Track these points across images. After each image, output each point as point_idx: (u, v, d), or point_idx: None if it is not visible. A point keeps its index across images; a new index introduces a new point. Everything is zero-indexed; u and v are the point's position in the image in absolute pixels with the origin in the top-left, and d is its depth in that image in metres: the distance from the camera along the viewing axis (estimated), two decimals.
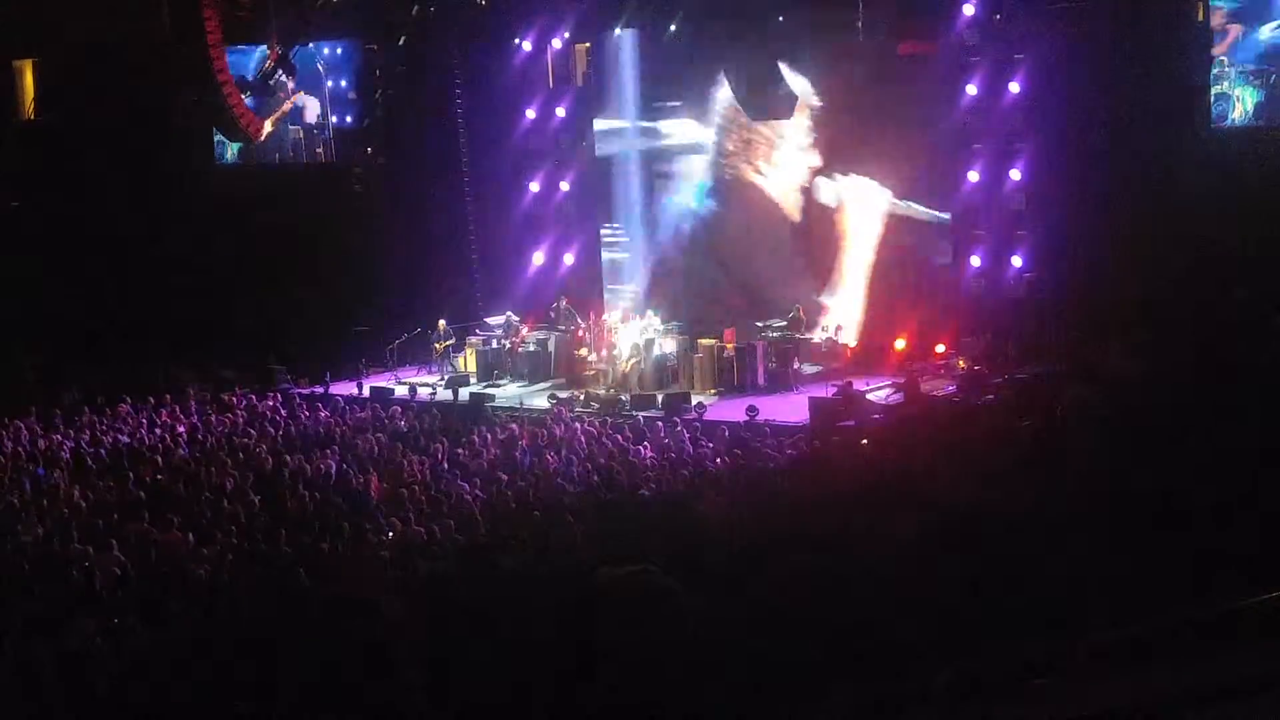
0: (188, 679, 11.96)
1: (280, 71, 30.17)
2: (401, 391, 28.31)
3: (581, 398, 26.90)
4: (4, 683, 13.68)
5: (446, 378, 28.87)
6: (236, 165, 34.55)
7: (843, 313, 28.93)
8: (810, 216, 29.63)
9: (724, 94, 29.76)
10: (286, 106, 33.40)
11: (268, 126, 32.05)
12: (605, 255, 32.19)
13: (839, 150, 28.97)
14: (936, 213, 27.97)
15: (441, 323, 29.78)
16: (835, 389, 24.84)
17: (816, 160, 29.30)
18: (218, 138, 33.95)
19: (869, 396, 24.68)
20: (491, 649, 6.31)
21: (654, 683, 3.89)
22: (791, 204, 29.84)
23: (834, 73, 28.62)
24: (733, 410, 25.32)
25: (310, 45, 31.80)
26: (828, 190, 29.28)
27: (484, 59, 32.28)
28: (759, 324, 28.46)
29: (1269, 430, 10.08)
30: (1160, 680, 5.43)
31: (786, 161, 29.74)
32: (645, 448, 22.24)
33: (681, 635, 3.94)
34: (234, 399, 27.26)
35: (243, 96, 29.41)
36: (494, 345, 29.86)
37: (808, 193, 29.56)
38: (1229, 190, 23.98)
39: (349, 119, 33.71)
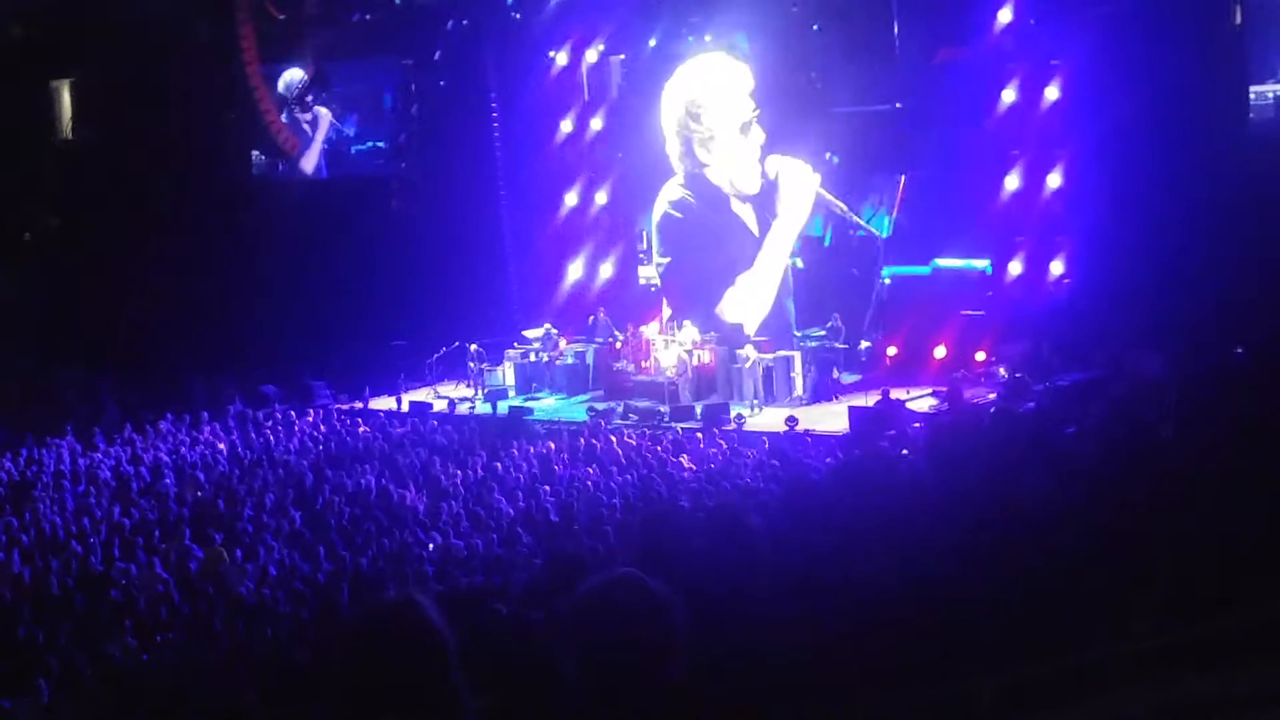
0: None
1: (316, 87, 30.36)
2: (440, 406, 28.34)
3: (620, 409, 26.88)
4: (50, 700, 13.74)
5: (485, 391, 28.90)
6: (274, 181, 34.69)
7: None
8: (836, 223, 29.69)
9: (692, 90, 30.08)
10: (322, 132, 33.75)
11: (315, 159, 32.38)
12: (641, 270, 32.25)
13: (866, 156, 28.94)
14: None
15: (473, 346, 29.77)
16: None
17: (844, 166, 29.30)
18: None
19: (914, 405, 24.58)
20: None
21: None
22: (816, 210, 29.83)
23: (868, 79, 28.57)
24: (772, 420, 25.29)
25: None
26: (796, 165, 29.41)
27: (519, 73, 32.34)
28: (797, 333, 28.40)
29: None
30: (1204, 686, 5.35)
31: (754, 154, 29.82)
32: (684, 459, 22.23)
33: (667, 641, 3.91)
34: (274, 415, 27.36)
35: (279, 114, 29.62)
36: (532, 358, 29.88)
37: (775, 171, 29.62)
38: (1270, 192, 23.82)
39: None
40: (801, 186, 29.33)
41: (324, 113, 34.13)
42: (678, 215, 31.18)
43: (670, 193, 31.29)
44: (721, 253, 30.37)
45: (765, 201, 30.06)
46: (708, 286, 30.17)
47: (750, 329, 29.20)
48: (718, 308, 29.62)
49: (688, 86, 30.48)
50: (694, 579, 7.78)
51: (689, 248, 30.96)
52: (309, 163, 34.45)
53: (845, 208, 29.09)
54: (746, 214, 30.32)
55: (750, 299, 29.81)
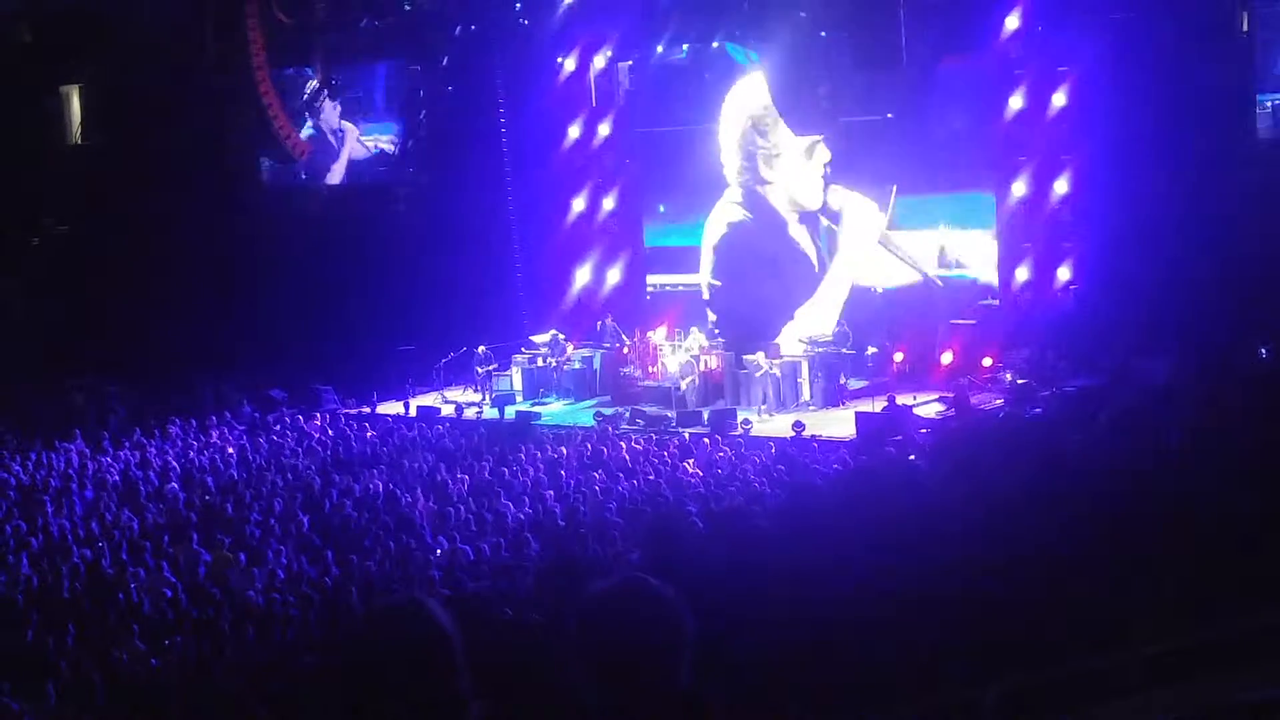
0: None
1: (325, 93, 30.39)
2: (448, 410, 28.36)
3: (627, 415, 26.89)
4: (58, 705, 13.77)
5: (492, 396, 28.93)
6: (282, 186, 34.73)
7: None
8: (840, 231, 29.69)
9: (758, 105, 29.93)
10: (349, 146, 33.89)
11: (341, 172, 32.53)
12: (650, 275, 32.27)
13: (875, 163, 28.87)
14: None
15: (481, 348, 29.80)
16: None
17: (853, 173, 29.26)
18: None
19: (921, 411, 24.60)
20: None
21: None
22: (820, 217, 29.80)
23: (875, 87, 28.50)
24: (779, 426, 25.31)
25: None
26: (862, 203, 29.33)
27: (527, 78, 32.37)
28: (803, 339, 28.39)
29: None
30: (1209, 693, 5.40)
31: (818, 174, 29.72)
32: (690, 464, 22.24)
33: (675, 645, 3.92)
34: (282, 419, 27.40)
35: (288, 118, 29.67)
36: (540, 363, 29.89)
37: (840, 205, 29.58)
38: (1276, 202, 23.86)
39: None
40: (866, 224, 29.22)
41: (350, 127, 34.23)
42: (736, 238, 30.98)
43: (729, 213, 31.05)
44: (778, 281, 30.21)
45: (819, 225, 30.06)
46: (763, 315, 29.87)
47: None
48: (777, 339, 29.29)
49: (753, 101, 30.33)
50: (701, 583, 7.81)
51: (745, 274, 30.72)
52: (336, 175, 34.54)
53: (908, 255, 28.96)
54: (803, 238, 30.16)
55: (809, 332, 29.49)
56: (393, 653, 3.86)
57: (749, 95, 30.34)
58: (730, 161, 30.85)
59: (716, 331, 29.39)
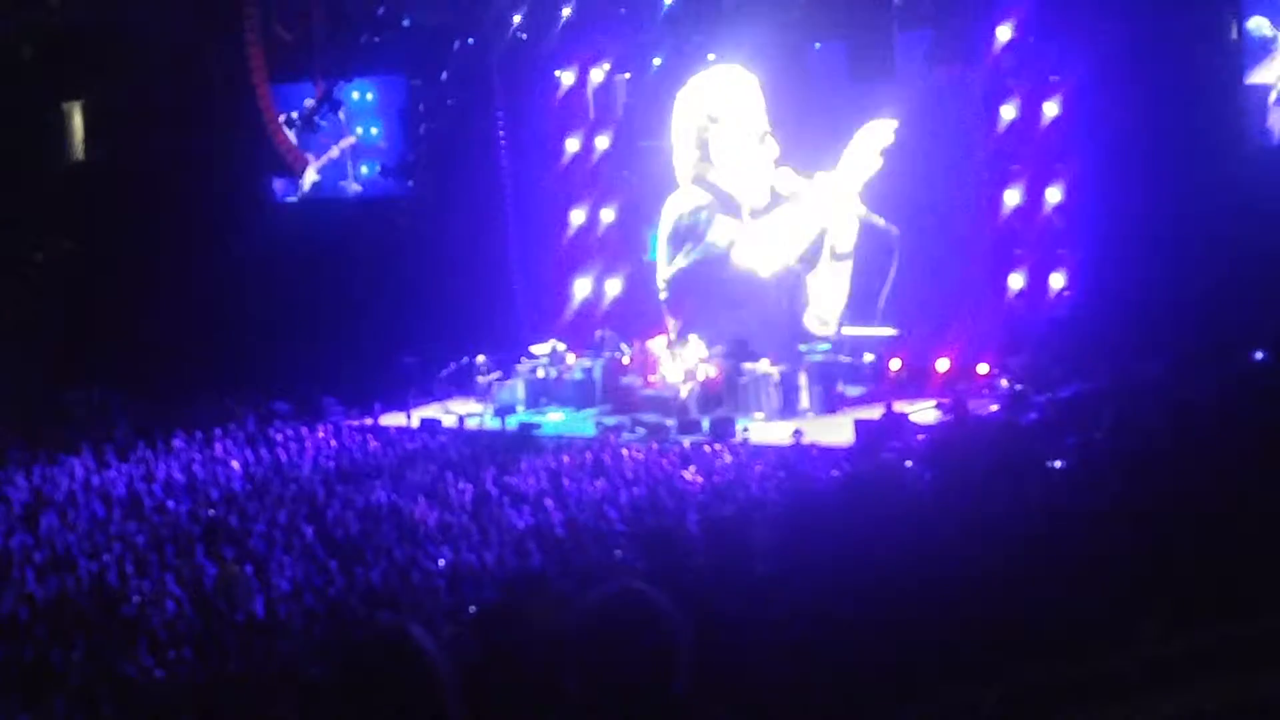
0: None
1: (325, 107, 30.51)
2: (450, 421, 28.48)
3: (628, 423, 27.02)
4: (65, 716, 13.91)
5: (494, 407, 29.05)
6: (284, 201, 34.78)
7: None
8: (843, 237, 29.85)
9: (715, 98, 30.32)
10: (338, 148, 33.87)
11: (312, 174, 32.54)
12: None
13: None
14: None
15: (481, 357, 29.98)
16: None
17: (852, 180, 29.40)
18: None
19: (918, 418, 24.70)
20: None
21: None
22: (822, 225, 29.94)
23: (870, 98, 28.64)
24: (778, 433, 25.43)
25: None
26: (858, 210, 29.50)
27: (526, 92, 32.51)
28: (802, 347, 28.53)
29: None
30: (1212, 694, 5.47)
31: (769, 165, 29.96)
32: (690, 471, 22.37)
33: (670, 653, 3.99)
34: (285, 431, 27.49)
35: (288, 133, 29.78)
36: (540, 373, 30.02)
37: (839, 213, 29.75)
38: (1268, 209, 23.97)
39: (377, 167, 33.89)
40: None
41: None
42: (705, 219, 31.09)
43: (690, 199, 31.21)
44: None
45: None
46: (724, 292, 30.28)
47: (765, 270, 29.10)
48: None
49: (706, 93, 30.55)
50: (699, 591, 7.95)
51: (719, 256, 30.89)
52: (308, 180, 34.63)
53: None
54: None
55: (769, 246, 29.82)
56: (377, 684, 3.85)
57: (701, 88, 30.64)
58: (683, 158, 31.03)
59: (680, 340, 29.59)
